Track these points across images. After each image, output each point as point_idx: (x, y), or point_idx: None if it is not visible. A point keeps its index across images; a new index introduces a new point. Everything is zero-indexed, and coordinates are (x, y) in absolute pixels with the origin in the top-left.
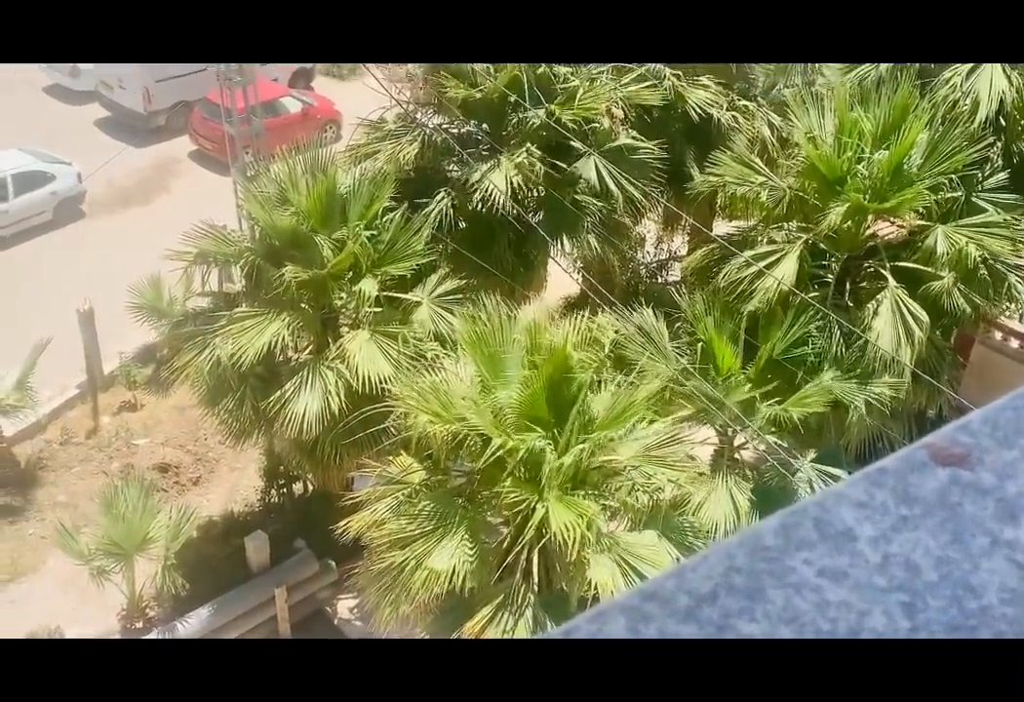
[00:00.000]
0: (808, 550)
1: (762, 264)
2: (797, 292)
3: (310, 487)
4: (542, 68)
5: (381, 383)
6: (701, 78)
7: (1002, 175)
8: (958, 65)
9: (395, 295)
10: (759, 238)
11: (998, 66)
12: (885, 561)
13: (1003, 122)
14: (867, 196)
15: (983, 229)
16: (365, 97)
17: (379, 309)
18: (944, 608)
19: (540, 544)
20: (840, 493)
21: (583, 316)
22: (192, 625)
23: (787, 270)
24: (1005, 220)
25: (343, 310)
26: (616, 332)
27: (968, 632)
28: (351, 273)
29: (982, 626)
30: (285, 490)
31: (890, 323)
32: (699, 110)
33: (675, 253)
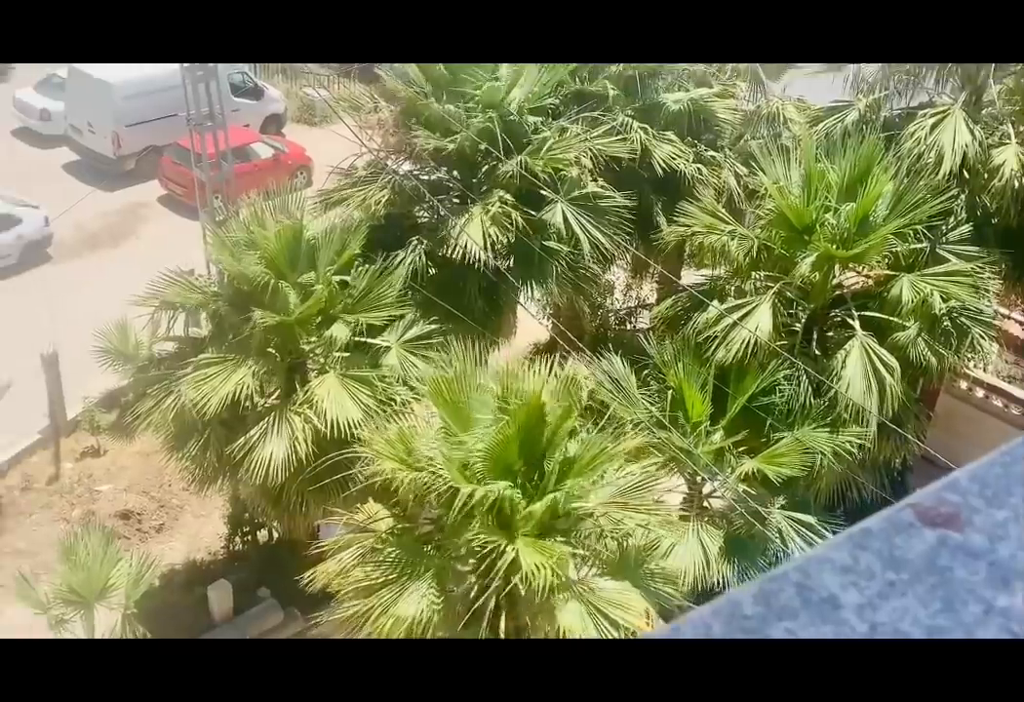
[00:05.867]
0: (790, 619)
1: (736, 316)
2: (770, 343)
3: (275, 534)
4: (512, 116)
5: (350, 428)
6: (667, 133)
7: (965, 227)
8: (923, 119)
9: (364, 340)
10: (728, 287)
11: (961, 120)
12: (872, 631)
13: (966, 175)
14: (835, 245)
15: (948, 277)
16: (336, 143)
17: (347, 354)
18: None
19: (507, 589)
20: (823, 557)
21: (554, 363)
22: None
23: (762, 321)
24: (971, 269)
25: (311, 355)
26: (586, 379)
27: None
28: (319, 318)
29: None
30: (250, 538)
31: (860, 372)
32: (664, 165)
33: (644, 300)
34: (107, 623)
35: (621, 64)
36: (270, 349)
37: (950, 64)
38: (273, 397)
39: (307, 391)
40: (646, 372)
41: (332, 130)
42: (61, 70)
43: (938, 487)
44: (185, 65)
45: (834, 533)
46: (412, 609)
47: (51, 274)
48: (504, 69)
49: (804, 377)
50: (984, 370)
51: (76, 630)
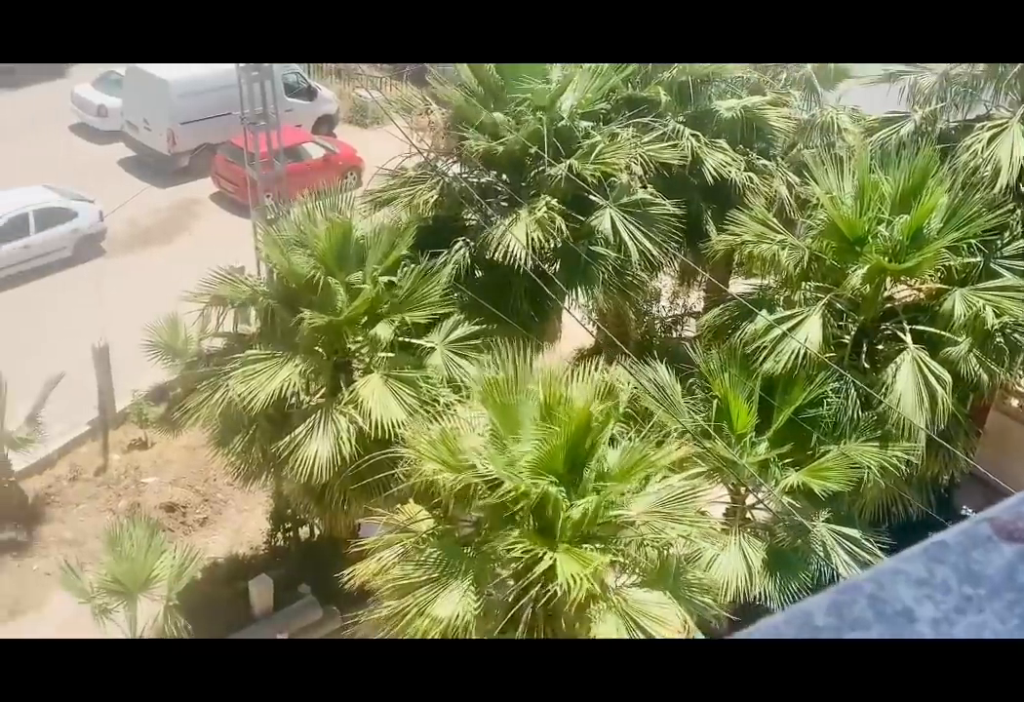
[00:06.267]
0: (862, 631)
1: (786, 327)
2: (818, 354)
3: (317, 531)
4: (564, 121)
5: (393, 428)
6: (719, 140)
7: (1021, 242)
8: (980, 131)
9: (409, 340)
10: (776, 297)
11: (1019, 133)
12: None
13: (1023, 190)
14: (887, 257)
15: (1002, 292)
16: (387, 145)
17: (392, 354)
18: None
19: (546, 596)
20: (897, 569)
21: (599, 369)
22: None
23: (811, 333)
24: None
25: (356, 355)
26: (628, 385)
27: None
28: (366, 318)
29: None
30: (292, 534)
31: (911, 386)
32: (715, 173)
33: (690, 309)
34: (149, 614)
35: (672, 71)
36: (317, 347)
37: (1011, 76)
38: (318, 395)
39: (352, 391)
40: (691, 381)
41: (384, 131)
42: (119, 67)
43: (1016, 501)
44: (240, 65)
45: (880, 548)
46: (449, 611)
47: (104, 268)
48: (556, 73)
49: (853, 390)
50: None
51: (119, 620)
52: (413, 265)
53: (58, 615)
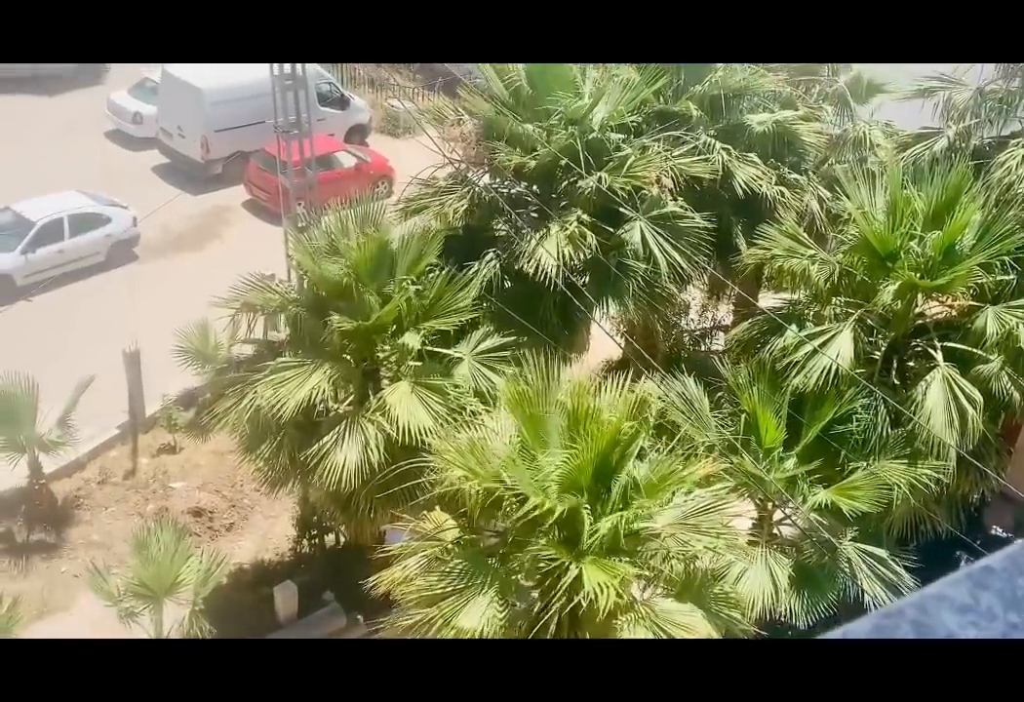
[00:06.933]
0: None
1: (817, 342)
2: (849, 371)
3: (342, 539)
4: (595, 133)
5: (421, 435)
6: (750, 154)
7: None
8: (1015, 148)
9: (437, 350)
10: (806, 312)
11: None
12: None
13: None
14: (919, 274)
15: None
16: (418, 155)
17: (420, 363)
18: None
19: (571, 607)
20: (941, 594)
21: (627, 381)
22: None
23: (843, 349)
24: None
25: (385, 363)
26: (660, 399)
27: None
28: (394, 326)
29: None
30: (317, 541)
31: (942, 403)
32: (745, 187)
33: (719, 322)
34: (175, 618)
35: (704, 85)
36: (345, 355)
37: None
38: (347, 403)
39: (380, 398)
40: (719, 394)
41: (416, 141)
42: (154, 75)
43: None
44: (275, 73)
45: (905, 568)
46: (474, 622)
47: (137, 273)
48: (588, 85)
49: (882, 407)
50: None
51: (145, 623)
52: (438, 271)
53: (85, 617)
